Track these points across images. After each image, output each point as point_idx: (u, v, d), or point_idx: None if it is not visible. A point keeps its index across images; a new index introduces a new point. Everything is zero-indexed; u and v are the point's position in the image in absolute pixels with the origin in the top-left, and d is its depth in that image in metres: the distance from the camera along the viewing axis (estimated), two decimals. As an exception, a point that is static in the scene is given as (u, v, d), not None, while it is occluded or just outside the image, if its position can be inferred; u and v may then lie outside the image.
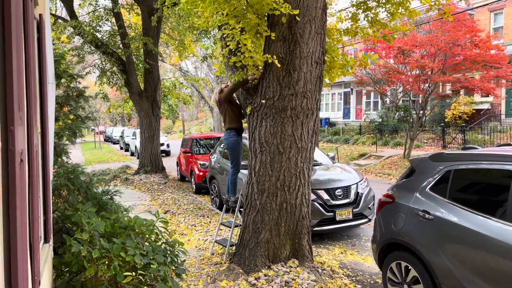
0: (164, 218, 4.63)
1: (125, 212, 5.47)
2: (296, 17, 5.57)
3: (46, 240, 3.48)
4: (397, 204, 5.00)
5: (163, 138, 29.37)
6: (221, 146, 11.68)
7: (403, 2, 6.32)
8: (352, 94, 34.58)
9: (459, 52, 16.84)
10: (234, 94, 6.64)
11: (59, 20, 17.33)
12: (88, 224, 3.97)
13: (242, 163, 7.22)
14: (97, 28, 17.34)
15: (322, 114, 36.16)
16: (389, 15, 6.52)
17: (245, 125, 6.92)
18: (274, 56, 5.52)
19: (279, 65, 5.59)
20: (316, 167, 9.09)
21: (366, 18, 6.70)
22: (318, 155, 9.96)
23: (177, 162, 17.49)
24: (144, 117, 17.38)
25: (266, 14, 5.79)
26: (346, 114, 35.15)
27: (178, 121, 63.28)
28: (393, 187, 5.33)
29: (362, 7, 6.64)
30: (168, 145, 30.37)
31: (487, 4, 23.51)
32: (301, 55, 5.74)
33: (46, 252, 3.37)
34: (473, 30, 17.13)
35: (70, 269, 3.95)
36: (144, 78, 17.40)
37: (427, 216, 4.51)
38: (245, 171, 8.19)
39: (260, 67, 6.02)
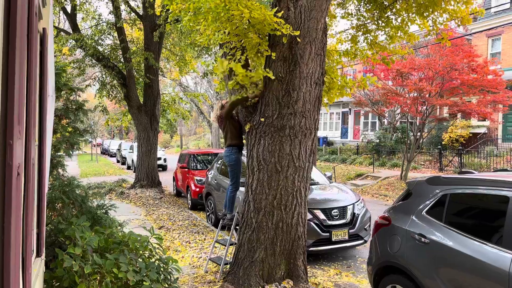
0: (158, 235, 4.60)
1: (119, 227, 5.43)
2: (297, 38, 5.62)
3: (38, 254, 3.44)
4: (394, 227, 4.99)
5: (160, 153, 28.95)
6: (219, 162, 11.56)
7: (402, 26, 6.39)
8: (350, 114, 34.57)
9: (457, 76, 16.98)
10: (234, 111, 6.67)
11: (62, 33, 17.43)
12: (81, 238, 3.94)
13: (241, 180, 7.22)
14: (99, 41, 17.43)
15: (320, 133, 35.94)
16: (388, 38, 6.59)
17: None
18: (271, 72, 5.56)
19: (275, 81, 5.63)
20: (313, 187, 9.07)
21: (365, 40, 6.77)
22: (316, 174, 9.94)
23: (173, 177, 17.39)
24: (142, 131, 17.36)
25: (267, 34, 5.84)
26: (344, 134, 35.07)
27: (176, 136, 62.85)
28: (390, 209, 5.32)
29: (362, 30, 6.72)
30: (165, 160, 29.99)
31: (485, 30, 23.81)
32: (300, 75, 5.78)
33: (38, 266, 3.34)
34: (470, 55, 17.30)
35: (61, 284, 3.90)
36: (144, 92, 17.42)
37: (423, 239, 4.50)
38: (243, 189, 8.27)
39: (259, 85, 6.06)
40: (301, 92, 5.80)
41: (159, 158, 28.44)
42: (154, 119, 17.30)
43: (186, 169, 15.13)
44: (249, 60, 6.27)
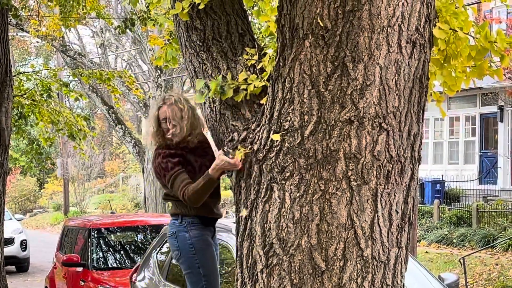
0: None
1: None
2: None
3: None
4: None
5: (11, 226, 12.71)
6: (163, 248, 5.25)
7: None
8: (501, 119, 15.30)
9: None
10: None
11: None
12: None
13: None
14: None
15: (424, 171, 15.90)
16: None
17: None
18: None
19: (310, 36, 2.15)
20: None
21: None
22: (416, 277, 4.41)
23: None
24: None
25: None
26: (487, 171, 15.92)
27: (53, 181, 27.75)
28: None
29: None
30: (23, 244, 13.09)
31: None
32: (371, 21, 2.30)
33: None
34: None
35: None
36: None
37: None
38: None
39: (266, 58, 2.60)
40: (375, 65, 2.33)
41: (9, 241, 11.65)
42: None
43: (79, 268, 6.68)
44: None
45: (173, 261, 4.85)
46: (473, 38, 2.54)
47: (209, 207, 3.07)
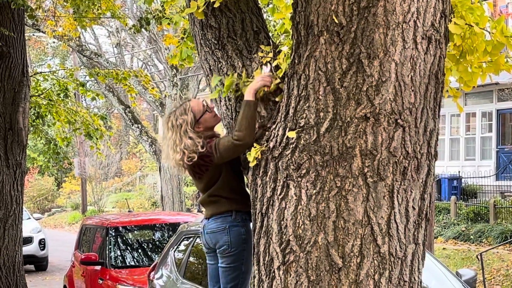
0: None
1: None
2: None
3: None
4: None
5: (30, 225, 12.73)
6: (181, 245, 5.18)
7: None
8: None
9: None
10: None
11: None
12: None
13: None
14: None
15: (441, 167, 15.90)
16: None
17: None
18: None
19: (325, 33, 2.15)
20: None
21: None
22: (433, 272, 4.54)
23: (64, 287, 8.35)
24: None
25: None
26: (504, 166, 15.51)
27: (70, 180, 27.47)
28: None
29: None
30: (42, 242, 13.04)
31: None
32: (386, 17, 2.28)
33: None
34: None
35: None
36: None
37: None
38: None
39: (282, 53, 2.59)
40: (390, 61, 2.31)
41: (27, 240, 11.82)
42: (15, 138, 7.45)
43: (97, 266, 6.71)
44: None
45: (191, 258, 4.92)
46: (489, 33, 2.51)
47: (248, 201, 3.09)
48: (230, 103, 2.82)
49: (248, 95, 2.61)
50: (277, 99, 2.64)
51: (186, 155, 2.85)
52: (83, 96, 16.38)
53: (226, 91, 2.73)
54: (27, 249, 10.80)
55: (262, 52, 2.71)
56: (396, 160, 2.33)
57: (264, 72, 2.63)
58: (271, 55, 2.68)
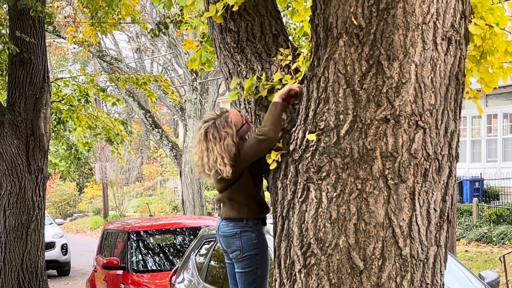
0: None
1: None
2: None
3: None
4: None
5: (52, 230, 12.86)
6: (203, 249, 5.22)
7: None
8: None
9: None
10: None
11: None
12: None
13: None
14: None
15: (463, 169, 15.21)
16: None
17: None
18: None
19: (344, 35, 2.14)
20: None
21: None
22: (455, 275, 4.51)
23: None
24: (4, 176, 7.28)
25: None
26: None
27: (91, 187, 28.02)
28: None
29: None
30: (64, 248, 12.94)
31: None
32: (406, 18, 2.27)
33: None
34: None
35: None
36: (9, 79, 7.56)
37: None
38: None
39: (302, 57, 2.59)
40: (410, 63, 2.29)
41: (50, 245, 11.87)
42: (37, 144, 7.48)
43: (119, 271, 6.62)
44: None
45: (212, 262, 4.93)
46: (510, 33, 2.48)
47: (268, 208, 3.11)
48: (250, 106, 2.84)
49: (276, 97, 2.62)
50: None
51: (229, 166, 2.84)
52: (103, 101, 16.65)
53: (246, 94, 2.75)
54: (49, 254, 10.87)
55: (281, 55, 2.72)
56: (417, 162, 2.31)
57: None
58: (290, 58, 2.70)
